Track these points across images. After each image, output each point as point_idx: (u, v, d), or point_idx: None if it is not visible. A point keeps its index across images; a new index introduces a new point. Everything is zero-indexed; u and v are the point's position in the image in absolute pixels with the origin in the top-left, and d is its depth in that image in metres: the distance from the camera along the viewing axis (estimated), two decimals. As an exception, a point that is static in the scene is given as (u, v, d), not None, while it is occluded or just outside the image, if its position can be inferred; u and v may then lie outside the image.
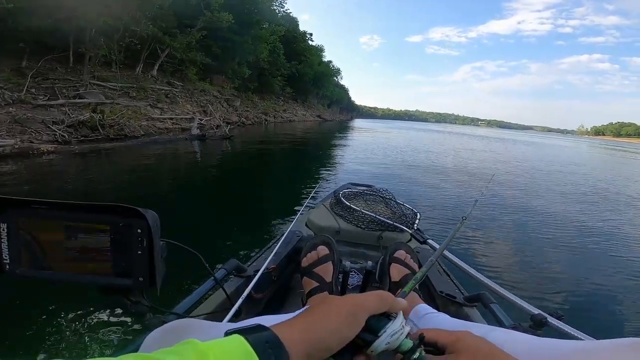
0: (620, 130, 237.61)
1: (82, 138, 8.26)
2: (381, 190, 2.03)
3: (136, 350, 0.47)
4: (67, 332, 1.79)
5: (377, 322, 0.38)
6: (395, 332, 0.37)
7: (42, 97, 9.14)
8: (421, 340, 0.41)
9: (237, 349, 0.28)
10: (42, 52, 10.61)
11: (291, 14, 35.79)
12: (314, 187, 5.58)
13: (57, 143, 7.43)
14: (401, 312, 0.40)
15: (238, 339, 0.29)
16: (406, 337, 0.38)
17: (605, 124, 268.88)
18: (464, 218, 1.34)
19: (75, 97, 10.08)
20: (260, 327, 0.32)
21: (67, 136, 7.93)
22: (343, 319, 0.35)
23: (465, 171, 9.59)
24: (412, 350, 0.38)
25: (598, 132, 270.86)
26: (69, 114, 8.69)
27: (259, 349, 0.29)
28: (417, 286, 1.04)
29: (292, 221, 1.50)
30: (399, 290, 0.71)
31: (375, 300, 0.38)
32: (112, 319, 1.87)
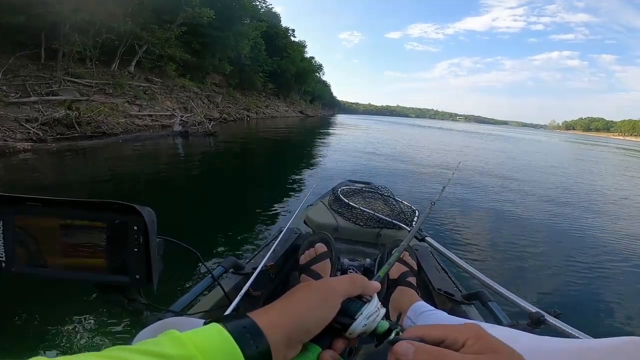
0: (590, 125, 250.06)
1: (58, 136, 7.96)
2: (380, 187, 2.04)
3: None
4: (62, 331, 1.76)
5: (353, 305, 0.38)
6: (371, 314, 0.38)
7: (13, 95, 8.74)
8: (397, 321, 0.41)
9: (215, 336, 0.29)
10: (12, 49, 10.14)
11: (273, 9, 35.40)
12: (308, 184, 5.55)
13: (33, 141, 7.15)
14: (375, 294, 0.41)
15: (216, 326, 0.30)
16: (382, 319, 0.39)
17: (575, 119, 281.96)
18: (433, 203, 1.38)
19: (49, 94, 9.67)
20: (238, 315, 0.33)
21: (42, 134, 7.64)
22: (318, 301, 0.36)
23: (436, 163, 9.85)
24: (389, 331, 0.38)
25: (569, 126, 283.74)
26: (42, 112, 8.35)
27: (237, 335, 0.29)
28: (415, 283, 1.05)
29: (290, 218, 1.49)
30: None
31: (347, 283, 0.39)
32: (109, 317, 1.84)
